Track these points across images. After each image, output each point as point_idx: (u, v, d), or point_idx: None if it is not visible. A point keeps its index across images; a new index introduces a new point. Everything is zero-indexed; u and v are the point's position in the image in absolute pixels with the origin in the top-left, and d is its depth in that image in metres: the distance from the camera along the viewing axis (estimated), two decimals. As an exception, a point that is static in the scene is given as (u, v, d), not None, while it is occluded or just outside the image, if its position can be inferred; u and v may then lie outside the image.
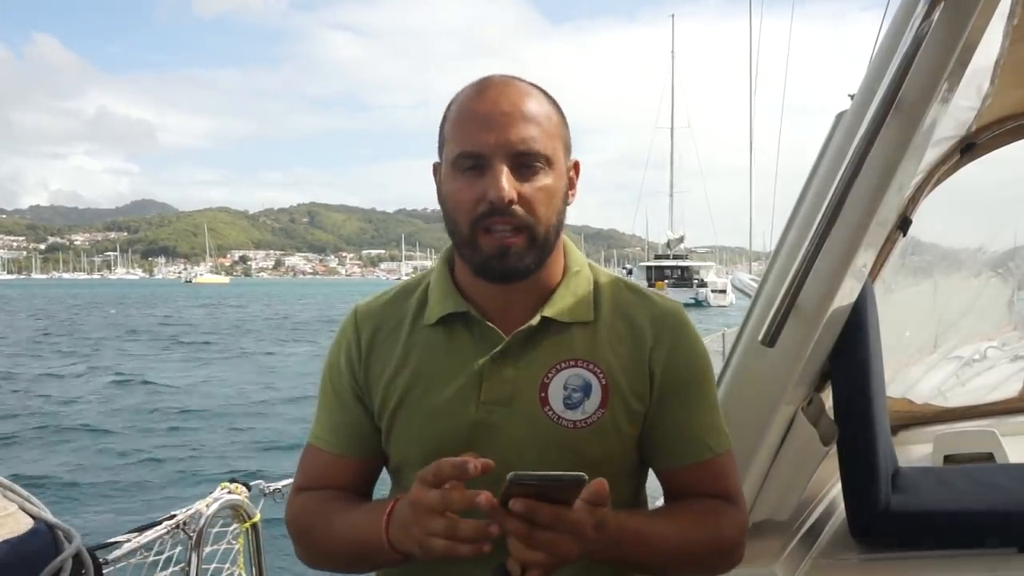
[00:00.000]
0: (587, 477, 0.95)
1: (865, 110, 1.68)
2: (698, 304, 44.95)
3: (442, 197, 1.20)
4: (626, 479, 1.25)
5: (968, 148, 2.75)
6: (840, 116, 1.85)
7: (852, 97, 1.82)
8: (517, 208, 1.13)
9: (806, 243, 1.75)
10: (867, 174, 1.69)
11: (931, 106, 1.69)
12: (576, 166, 1.25)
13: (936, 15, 1.58)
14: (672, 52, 75.83)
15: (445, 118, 1.20)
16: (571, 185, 1.24)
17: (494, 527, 0.98)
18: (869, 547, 2.16)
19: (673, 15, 77.15)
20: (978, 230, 3.54)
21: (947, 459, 2.90)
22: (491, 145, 1.12)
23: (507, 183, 1.11)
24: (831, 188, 1.71)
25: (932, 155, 2.55)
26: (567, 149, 1.22)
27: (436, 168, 1.23)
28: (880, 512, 2.11)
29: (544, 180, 1.15)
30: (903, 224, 2.64)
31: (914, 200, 2.69)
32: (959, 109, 2.35)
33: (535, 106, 1.16)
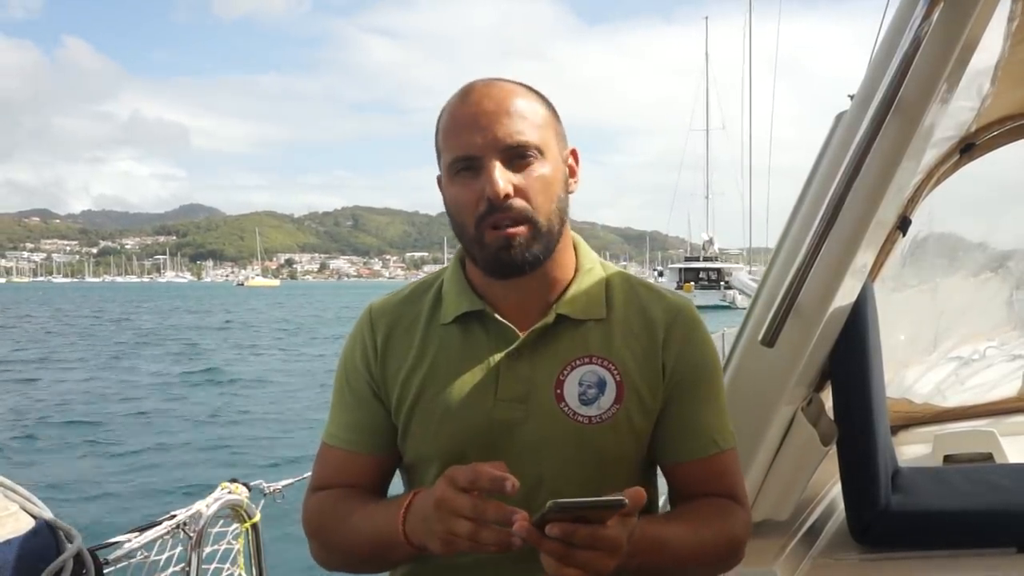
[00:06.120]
0: (627, 501, 0.92)
1: (865, 110, 1.69)
2: (728, 308, 43.05)
3: (446, 204, 1.20)
4: (640, 476, 1.26)
5: (968, 148, 2.75)
6: (840, 116, 1.85)
7: (852, 97, 1.82)
8: (515, 201, 1.14)
9: (806, 243, 1.75)
10: (867, 174, 1.69)
11: (930, 107, 1.70)
12: (574, 153, 1.25)
13: (935, 16, 1.59)
14: (706, 55, 74.46)
15: (437, 130, 1.21)
16: (571, 173, 1.24)
17: (516, 539, 0.96)
18: (869, 547, 2.16)
19: (707, 17, 75.93)
20: (977, 229, 3.54)
21: (947, 459, 2.90)
22: (480, 145, 1.13)
23: (501, 178, 1.12)
24: (831, 188, 1.71)
25: (932, 155, 2.55)
26: (561, 137, 1.22)
27: (439, 181, 1.23)
28: (880, 512, 2.11)
29: (539, 170, 1.16)
30: (903, 224, 2.64)
31: (914, 200, 2.69)
32: (959, 109, 2.35)
33: (519, 101, 1.17)
